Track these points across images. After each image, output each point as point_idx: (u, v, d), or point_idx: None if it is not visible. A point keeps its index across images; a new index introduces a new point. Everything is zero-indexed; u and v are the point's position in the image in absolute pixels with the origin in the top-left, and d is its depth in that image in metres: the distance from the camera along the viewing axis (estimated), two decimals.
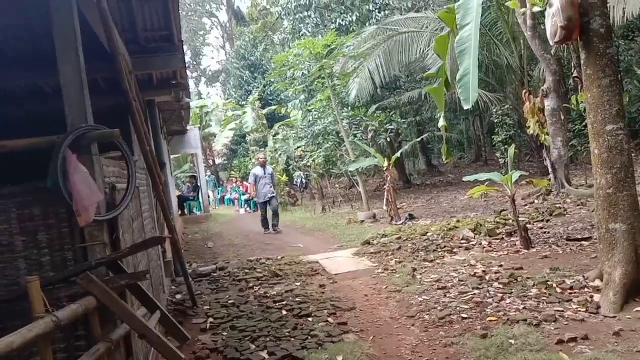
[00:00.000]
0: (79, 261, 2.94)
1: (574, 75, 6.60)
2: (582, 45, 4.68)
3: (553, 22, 4.67)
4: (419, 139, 17.51)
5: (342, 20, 17.42)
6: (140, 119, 4.47)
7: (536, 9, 5.11)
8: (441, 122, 7.33)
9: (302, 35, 17.99)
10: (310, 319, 4.86)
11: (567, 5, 4.52)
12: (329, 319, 4.81)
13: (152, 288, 4.43)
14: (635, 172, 4.73)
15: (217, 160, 29.43)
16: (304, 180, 18.69)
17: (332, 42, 14.39)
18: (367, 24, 16.97)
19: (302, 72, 16.49)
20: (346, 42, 15.24)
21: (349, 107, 15.72)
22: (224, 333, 4.66)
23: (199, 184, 17.96)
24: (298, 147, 17.86)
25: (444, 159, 8.18)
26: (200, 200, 17.95)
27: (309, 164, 16.37)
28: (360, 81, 14.91)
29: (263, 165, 12.36)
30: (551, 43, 5.02)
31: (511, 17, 13.40)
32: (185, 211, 17.28)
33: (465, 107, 5.78)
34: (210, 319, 5.09)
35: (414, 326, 4.41)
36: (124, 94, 4.18)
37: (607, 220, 4.53)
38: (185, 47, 6.17)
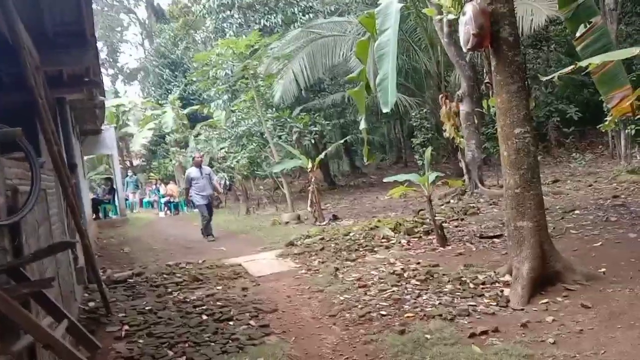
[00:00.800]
0: None
1: (485, 81, 6.95)
2: (493, 52, 4.94)
3: (466, 29, 4.89)
4: (342, 141, 17.79)
5: (267, 21, 17.37)
6: (47, 118, 4.18)
7: (451, 16, 5.33)
8: (362, 125, 7.48)
9: (225, 35, 17.72)
10: (231, 322, 4.76)
11: (479, 14, 4.75)
12: (251, 321, 4.74)
13: (61, 296, 4.15)
14: (541, 173, 5.05)
15: (135, 162, 28.23)
16: (227, 182, 18.37)
17: (255, 43, 14.29)
18: (291, 27, 17.02)
19: (226, 72, 16.24)
20: (270, 43, 15.19)
21: (274, 109, 15.68)
22: (140, 341, 4.45)
23: (114, 187, 17.14)
24: (222, 149, 17.54)
25: (365, 161, 8.36)
26: (117, 203, 17.15)
27: (232, 165, 16.12)
28: (284, 83, 14.91)
29: (199, 165, 11.07)
30: (464, 50, 5.26)
31: (430, 25, 13.96)
32: (100, 215, 16.42)
33: (384, 111, 5.93)
34: (126, 327, 4.84)
35: (335, 325, 4.44)
36: (29, 91, 3.90)
37: (515, 219, 4.80)
38: (100, 44, 5.93)
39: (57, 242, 4.29)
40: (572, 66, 3.65)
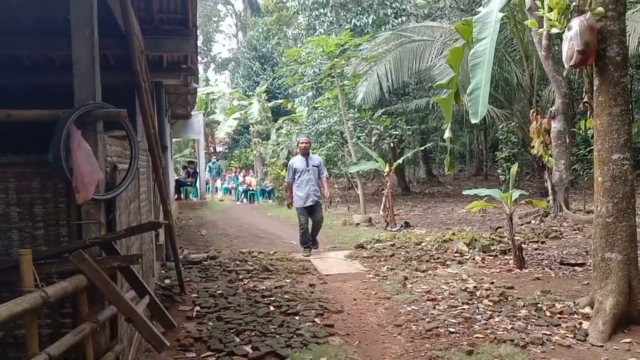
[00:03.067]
0: (73, 238, 2.92)
1: (584, 100, 6.54)
2: (597, 71, 4.66)
3: (570, 45, 4.64)
4: (422, 148, 17.51)
5: (358, 21, 17.38)
6: (147, 100, 4.44)
7: (554, 30, 5.06)
8: (447, 134, 7.30)
9: (316, 32, 17.97)
10: (297, 317, 4.84)
11: (586, 31, 4.49)
12: (316, 319, 4.79)
13: (142, 271, 4.40)
14: (637, 203, 4.71)
15: (219, 149, 29.38)
16: None
17: (345, 42, 14.37)
18: (382, 29, 16.95)
19: (313, 70, 16.46)
20: (360, 44, 15.22)
21: (356, 109, 15.71)
22: (210, 323, 4.64)
23: (197, 170, 17.92)
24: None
25: (446, 170, 8.16)
26: (198, 186, 17.93)
27: None
28: (368, 84, 14.88)
29: (306, 153, 8.36)
30: (566, 66, 4.99)
31: (526, 36, 13.40)
32: (182, 196, 17.25)
33: (473, 121, 5.75)
34: (197, 308, 5.07)
35: (400, 335, 4.39)
36: (134, 74, 4.15)
37: (603, 249, 4.51)
38: (197, 32, 6.14)
39: (148, 222, 4.55)
40: None
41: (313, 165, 8.21)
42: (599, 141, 4.62)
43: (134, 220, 4.14)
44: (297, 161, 8.36)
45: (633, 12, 11.24)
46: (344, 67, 14.89)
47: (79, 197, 2.72)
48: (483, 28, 6.15)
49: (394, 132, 15.55)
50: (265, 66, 28.60)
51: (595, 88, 4.72)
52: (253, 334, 4.33)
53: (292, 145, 18.50)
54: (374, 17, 17.35)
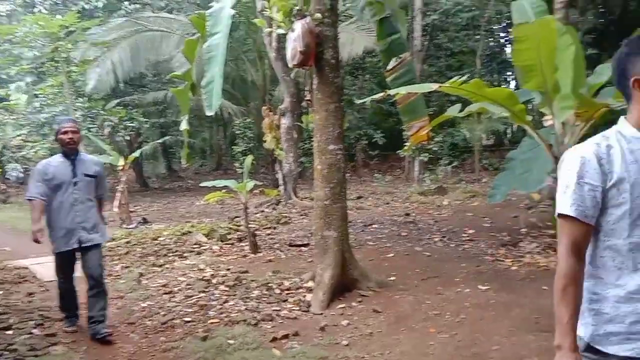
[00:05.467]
0: None
1: (306, 98, 7.30)
2: (316, 72, 5.21)
3: (294, 46, 5.08)
4: (161, 141, 17.02)
5: (87, 4, 15.87)
6: None
7: (280, 31, 5.48)
8: (184, 126, 7.21)
9: (35, 10, 15.73)
10: (10, 332, 4.17)
11: (307, 33, 4.98)
12: (35, 330, 4.22)
13: None
14: (347, 189, 5.45)
15: None
16: (20, 175, 16.18)
17: (72, 25, 12.93)
18: (115, 15, 15.83)
19: (34, 53, 14.37)
20: (89, 28, 13.89)
21: (86, 98, 14.33)
22: None
23: None
24: (18, 136, 15.43)
25: (183, 163, 8.11)
26: None
27: (29, 156, 14.26)
28: (101, 72, 13.74)
29: (73, 151, 4.33)
30: (290, 65, 5.45)
31: (259, 37, 14.21)
32: None
33: (208, 114, 5.82)
34: None
35: (134, 333, 4.17)
36: None
37: (322, 228, 5.09)
38: None
39: None
40: (382, 93, 4.03)
41: (85, 175, 4.30)
42: (318, 134, 5.19)
43: None
44: (55, 166, 4.29)
45: (347, 24, 12.99)
46: (71, 51, 13.41)
47: None
48: (216, 23, 6.26)
49: (130, 124, 14.74)
50: None
51: (314, 87, 5.28)
52: None
53: (6, 138, 15.86)
54: (105, 2, 16.09)
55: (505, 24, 22.61)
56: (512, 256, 6.30)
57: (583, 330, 1.59)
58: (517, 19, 4.56)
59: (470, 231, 7.77)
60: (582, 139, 3.96)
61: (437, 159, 15.41)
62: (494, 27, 21.58)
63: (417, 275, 5.58)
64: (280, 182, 11.66)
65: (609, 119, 4.61)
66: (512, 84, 24.74)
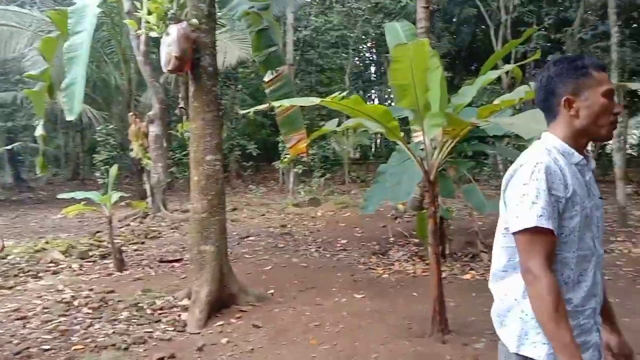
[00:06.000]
0: None
1: (180, 106, 7.00)
2: (192, 79, 5.00)
3: (169, 50, 4.83)
4: (9, 147, 15.17)
5: None
6: None
7: (153, 34, 5.18)
8: (39, 131, 6.50)
9: None
10: None
11: (183, 38, 4.77)
12: None
13: None
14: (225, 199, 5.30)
15: None
16: None
17: None
18: None
19: None
20: None
21: None
22: None
23: None
24: None
25: (38, 172, 7.25)
26: None
27: None
28: None
29: None
30: (164, 70, 5.16)
31: (124, 39, 13.39)
32: None
33: (68, 118, 5.31)
34: None
35: None
36: None
37: (199, 243, 4.87)
38: None
39: None
40: (266, 105, 3.98)
41: None
42: (195, 144, 4.98)
43: None
44: None
45: (220, 33, 12.75)
46: None
47: None
48: (79, 21, 5.77)
49: None
50: None
51: (190, 94, 5.06)
52: None
53: None
54: None
55: (370, 45, 24.06)
56: (383, 264, 6.62)
57: (536, 352, 1.49)
58: (390, 40, 4.80)
59: (344, 241, 8.02)
60: (449, 154, 4.30)
61: (310, 171, 15.77)
62: (360, 47, 22.81)
63: (295, 287, 5.59)
64: (149, 193, 11.04)
65: (470, 137, 5.07)
66: (376, 101, 26.38)
